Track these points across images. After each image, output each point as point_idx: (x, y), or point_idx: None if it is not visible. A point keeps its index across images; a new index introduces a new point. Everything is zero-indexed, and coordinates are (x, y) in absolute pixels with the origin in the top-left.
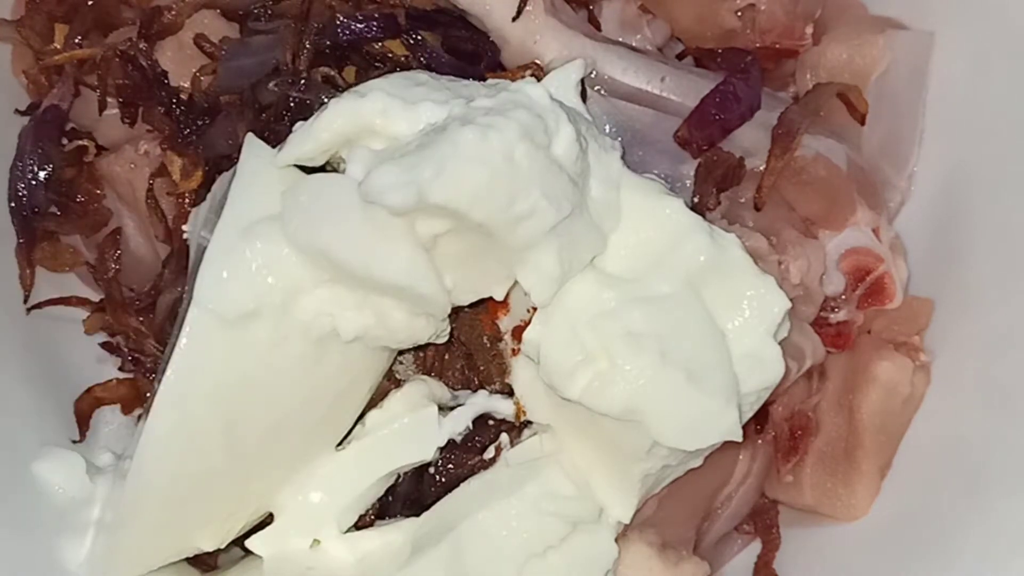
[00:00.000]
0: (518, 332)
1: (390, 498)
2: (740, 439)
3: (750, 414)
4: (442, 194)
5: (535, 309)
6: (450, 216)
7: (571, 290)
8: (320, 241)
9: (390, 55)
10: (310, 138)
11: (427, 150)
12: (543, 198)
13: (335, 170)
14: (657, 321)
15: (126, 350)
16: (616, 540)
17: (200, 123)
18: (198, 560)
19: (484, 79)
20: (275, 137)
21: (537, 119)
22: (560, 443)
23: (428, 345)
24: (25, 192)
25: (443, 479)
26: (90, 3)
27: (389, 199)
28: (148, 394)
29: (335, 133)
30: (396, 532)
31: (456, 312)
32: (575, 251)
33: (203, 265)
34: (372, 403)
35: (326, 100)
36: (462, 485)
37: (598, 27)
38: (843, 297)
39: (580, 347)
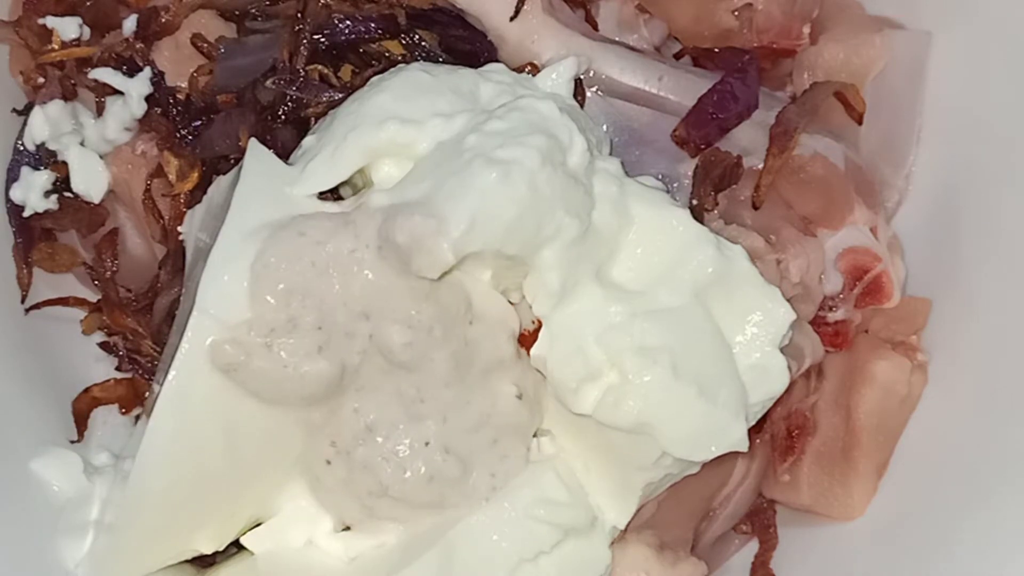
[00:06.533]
0: (523, 340)
1: None
2: (747, 449)
3: (753, 422)
4: (478, 242)
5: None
6: (484, 254)
7: (577, 304)
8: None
9: (387, 54)
10: (331, 173)
11: (453, 202)
12: (566, 215)
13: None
14: (667, 334)
15: (124, 350)
16: (612, 542)
17: (197, 123)
18: (195, 558)
19: None
20: (274, 138)
21: (552, 139)
22: (558, 448)
23: None
24: (22, 192)
25: None
26: (88, 3)
27: (433, 271)
28: (146, 394)
29: (353, 166)
30: (389, 534)
31: None
32: (580, 260)
33: (206, 270)
34: None
35: (323, 99)
36: None
37: (595, 26)
38: (841, 296)
39: (586, 362)
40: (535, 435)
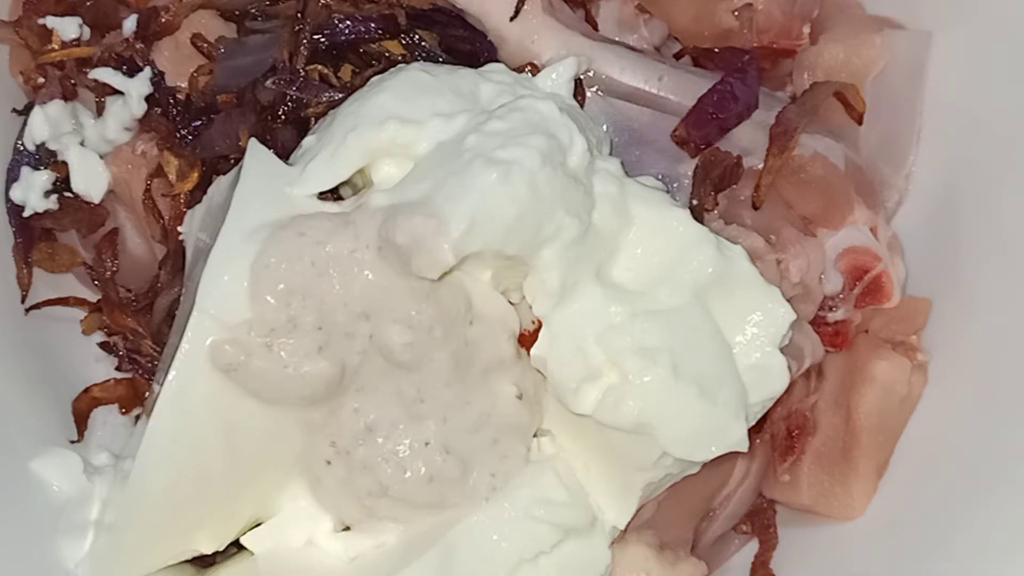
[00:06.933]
0: (523, 340)
1: None
2: (747, 449)
3: (754, 422)
4: (479, 243)
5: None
6: (485, 254)
7: (577, 304)
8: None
9: (387, 54)
10: (331, 174)
11: (453, 202)
12: (566, 215)
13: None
14: (667, 335)
15: (124, 350)
16: (613, 543)
17: (197, 123)
18: (195, 558)
19: None
20: (274, 138)
21: (552, 139)
22: (558, 448)
23: None
24: (22, 192)
25: None
26: (88, 3)
27: (433, 271)
28: (146, 394)
29: (354, 166)
30: (389, 534)
31: None
32: (580, 260)
33: (206, 270)
34: None
35: (323, 99)
36: None
37: (595, 26)
38: (841, 296)
39: (586, 362)
40: (535, 435)
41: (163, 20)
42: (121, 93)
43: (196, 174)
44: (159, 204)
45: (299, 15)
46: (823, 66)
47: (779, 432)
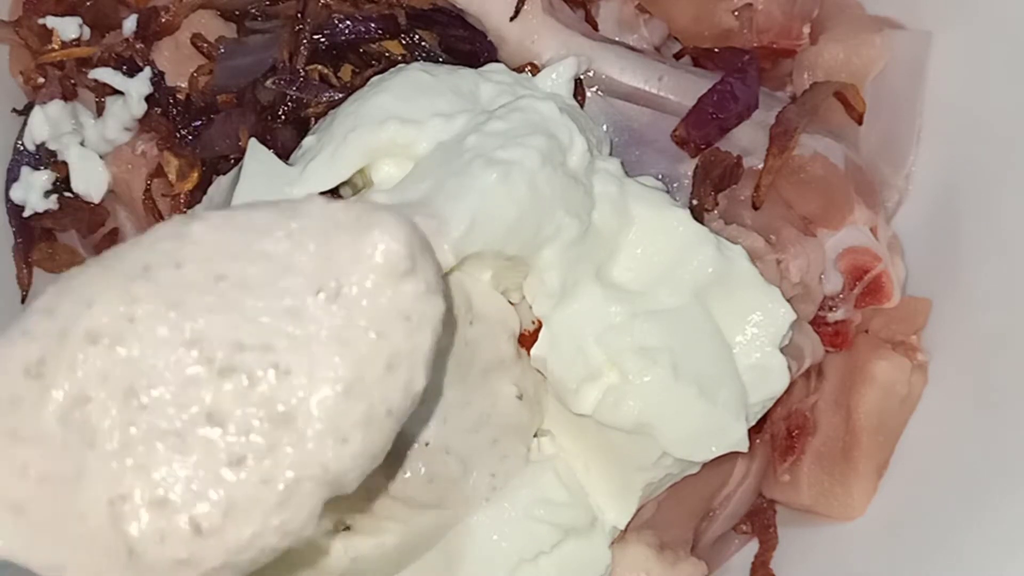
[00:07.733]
0: (523, 340)
1: None
2: (747, 449)
3: (754, 422)
4: (479, 243)
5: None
6: (485, 254)
7: (577, 304)
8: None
9: (387, 54)
10: (331, 174)
11: (453, 202)
12: (566, 215)
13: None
14: (667, 335)
15: None
16: (613, 542)
17: (197, 123)
18: None
19: None
20: (274, 138)
21: (552, 139)
22: (558, 448)
23: None
24: (22, 192)
25: None
26: (88, 3)
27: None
28: None
29: (354, 166)
30: (389, 534)
31: None
32: (580, 260)
33: None
34: None
35: (323, 99)
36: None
37: (595, 26)
38: (841, 296)
39: (586, 362)
40: (535, 435)
41: (163, 20)
42: (121, 93)
43: (196, 174)
44: (159, 204)
45: (299, 15)
46: (823, 66)
47: (779, 432)
